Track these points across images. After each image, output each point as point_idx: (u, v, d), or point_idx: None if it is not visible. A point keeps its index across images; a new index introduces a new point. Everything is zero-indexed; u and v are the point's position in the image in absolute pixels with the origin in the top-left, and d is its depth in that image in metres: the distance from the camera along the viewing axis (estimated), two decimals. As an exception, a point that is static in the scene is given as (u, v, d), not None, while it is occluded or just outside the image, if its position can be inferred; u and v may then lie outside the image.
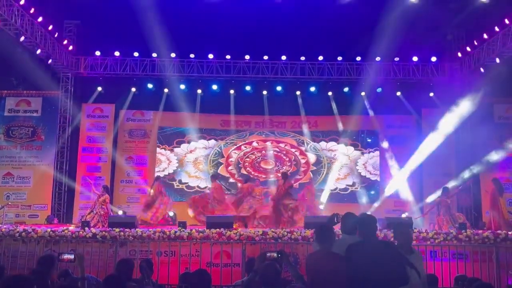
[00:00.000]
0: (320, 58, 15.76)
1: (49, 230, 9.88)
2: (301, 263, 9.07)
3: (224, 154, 16.63)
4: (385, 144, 16.24)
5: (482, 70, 14.17)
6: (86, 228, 10.09)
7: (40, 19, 13.21)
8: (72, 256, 4.63)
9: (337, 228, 5.26)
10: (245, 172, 16.37)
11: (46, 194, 15.09)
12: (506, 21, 12.71)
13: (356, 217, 4.82)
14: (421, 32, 13.43)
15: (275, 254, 4.54)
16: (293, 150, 16.75)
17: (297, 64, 15.80)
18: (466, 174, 14.64)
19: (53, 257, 5.33)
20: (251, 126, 16.80)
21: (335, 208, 13.09)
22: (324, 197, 15.44)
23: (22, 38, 12.69)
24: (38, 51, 13.62)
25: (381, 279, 3.83)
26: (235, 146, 16.67)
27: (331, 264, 4.16)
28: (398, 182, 15.48)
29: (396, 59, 15.67)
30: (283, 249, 9.19)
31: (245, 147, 16.73)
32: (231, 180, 16.29)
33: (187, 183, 16.25)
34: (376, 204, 15.36)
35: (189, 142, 16.47)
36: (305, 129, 16.52)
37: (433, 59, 15.73)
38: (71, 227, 10.77)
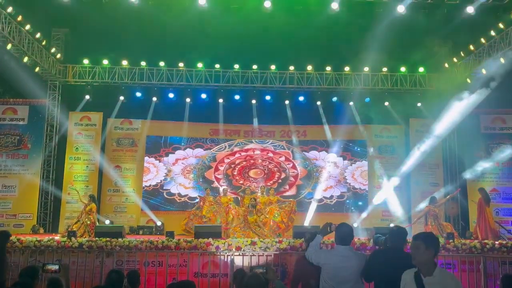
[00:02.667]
0: (309, 68, 15.84)
1: (34, 240, 9.72)
2: (290, 273, 9.02)
3: (217, 158, 16.62)
4: (373, 154, 16.30)
5: (468, 80, 14.31)
6: (73, 238, 9.95)
7: (27, 27, 13.10)
8: (56, 267, 4.52)
9: (327, 238, 5.27)
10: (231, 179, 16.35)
11: (32, 203, 14.85)
12: (492, 33, 12.87)
13: (349, 228, 4.80)
14: (409, 43, 13.56)
15: (261, 270, 4.50)
16: (286, 163, 16.72)
17: (286, 74, 15.85)
18: (453, 184, 14.75)
19: (36, 268, 5.20)
20: (240, 135, 16.78)
21: (324, 218, 13.08)
22: (312, 207, 15.39)
23: (9, 46, 12.57)
24: (25, 59, 13.50)
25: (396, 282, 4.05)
26: (229, 152, 16.68)
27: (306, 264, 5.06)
28: (386, 191, 15.52)
29: (384, 69, 15.79)
30: (271, 261, 9.19)
31: (239, 154, 16.70)
32: (215, 185, 16.26)
33: (178, 192, 16.14)
34: (364, 214, 15.36)
35: (175, 151, 16.37)
36: (294, 138, 16.54)
37: (421, 69, 15.88)
38: (57, 237, 10.61)
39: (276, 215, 13.06)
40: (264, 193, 13.88)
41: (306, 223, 14.32)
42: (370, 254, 4.78)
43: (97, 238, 9.94)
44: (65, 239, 9.96)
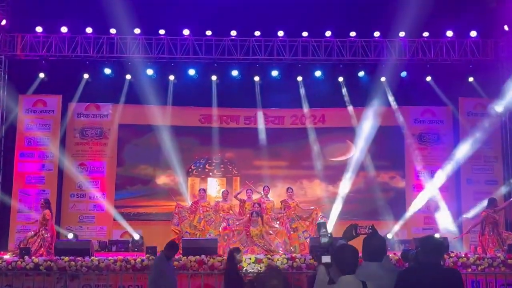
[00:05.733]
0: (328, 34, 15.76)
1: (-23, 260, 9.78)
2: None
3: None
4: (412, 144, 16.27)
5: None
6: (26, 257, 10.00)
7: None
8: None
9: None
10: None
11: (-27, 213, 14.95)
12: None
13: (382, 239, 4.80)
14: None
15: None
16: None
17: (298, 42, 15.78)
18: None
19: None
20: (239, 122, 16.77)
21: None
22: (334, 213, 15.37)
23: None
24: (-39, 27, 13.51)
25: None
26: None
27: None
28: (429, 192, 15.53)
29: (426, 34, 15.71)
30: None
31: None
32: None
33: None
34: (401, 221, 15.38)
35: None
36: (309, 125, 16.53)
37: (473, 34, 15.79)
38: (7, 256, 10.69)
39: (301, 238, 13.03)
40: (269, 195, 13.90)
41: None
42: (398, 274, 4.68)
43: (57, 257, 9.98)
44: (17, 258, 10.02)
